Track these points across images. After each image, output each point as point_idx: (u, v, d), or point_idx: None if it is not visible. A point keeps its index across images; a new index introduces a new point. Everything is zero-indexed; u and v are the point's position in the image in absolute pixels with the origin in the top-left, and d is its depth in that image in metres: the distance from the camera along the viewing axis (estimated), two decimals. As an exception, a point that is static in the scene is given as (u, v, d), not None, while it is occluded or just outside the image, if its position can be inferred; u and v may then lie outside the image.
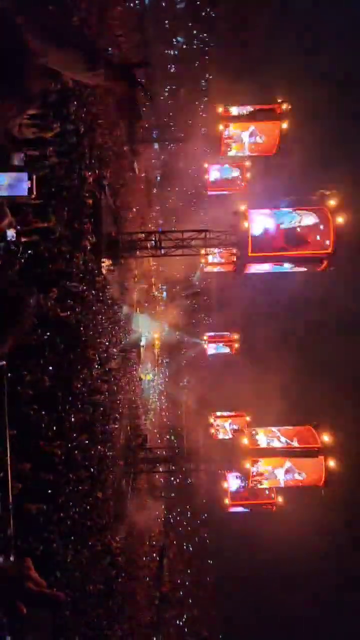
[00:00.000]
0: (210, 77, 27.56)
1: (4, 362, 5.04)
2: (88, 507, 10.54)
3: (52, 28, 0.96)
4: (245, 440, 18.76)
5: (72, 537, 8.86)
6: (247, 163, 21.25)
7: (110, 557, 13.04)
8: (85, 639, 9.15)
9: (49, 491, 7.68)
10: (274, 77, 19.89)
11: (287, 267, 16.99)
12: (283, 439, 18.88)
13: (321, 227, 15.90)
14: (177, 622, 25.65)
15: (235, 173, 21.97)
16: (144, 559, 20.42)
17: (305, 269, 17.20)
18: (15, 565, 0.75)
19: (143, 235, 18.44)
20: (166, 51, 27.37)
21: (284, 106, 18.63)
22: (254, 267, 17.00)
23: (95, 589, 10.60)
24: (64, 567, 8.12)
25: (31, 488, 6.80)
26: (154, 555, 23.35)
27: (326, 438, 17.82)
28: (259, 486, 18.56)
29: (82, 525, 9.79)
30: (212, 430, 24.96)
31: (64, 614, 7.53)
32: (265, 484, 18.47)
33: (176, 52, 27.76)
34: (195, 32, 27.10)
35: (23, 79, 0.73)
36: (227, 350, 31.04)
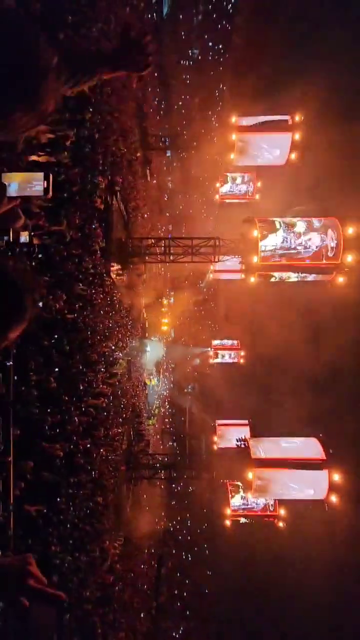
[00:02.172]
0: (224, 87, 27.91)
1: (11, 362, 5.10)
2: (88, 512, 10.48)
3: (69, 53, 1.00)
4: (248, 450, 18.54)
5: (71, 541, 8.81)
6: (258, 173, 21.37)
7: (109, 563, 12.92)
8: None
9: (49, 493, 7.68)
10: (287, 87, 20.04)
11: (295, 277, 16.93)
12: (287, 450, 18.62)
13: (330, 237, 15.85)
14: (174, 634, 25.21)
15: (246, 182, 22.09)
16: (142, 567, 20.18)
17: (315, 279, 17.11)
18: (16, 560, 0.76)
19: (152, 241, 18.60)
20: (181, 61, 27.85)
21: (297, 117, 18.73)
22: (262, 275, 16.96)
23: (92, 595, 10.49)
24: (61, 571, 8.07)
25: (32, 489, 6.81)
26: (152, 563, 23.07)
27: (332, 451, 17.52)
28: (261, 498, 18.28)
29: (81, 529, 9.74)
30: (215, 439, 24.72)
31: (64, 617, 7.47)
32: (267, 496, 18.19)
33: (191, 63, 28.24)
34: (210, 43, 27.57)
35: (40, 95, 0.75)
36: (233, 358, 30.88)
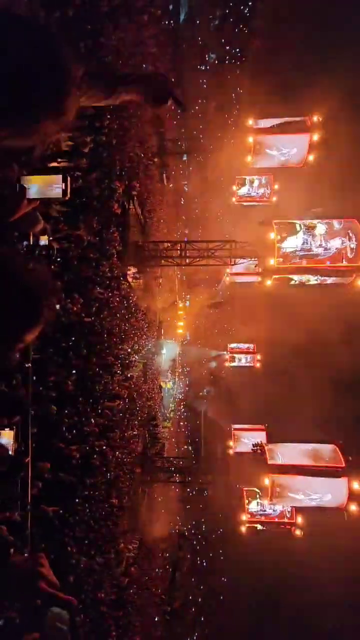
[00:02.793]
0: (241, 90, 27.86)
1: (29, 364, 5.20)
2: (103, 513, 10.55)
3: (92, 67, 1.03)
4: (265, 456, 18.26)
5: (86, 542, 8.87)
6: (275, 175, 21.19)
7: (124, 565, 12.94)
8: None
9: (66, 494, 7.76)
10: (305, 89, 19.84)
11: (314, 280, 16.66)
12: (305, 457, 18.24)
13: (350, 239, 15.53)
14: (188, 639, 24.96)
15: (264, 184, 21.93)
16: (157, 570, 20.12)
17: (334, 282, 16.78)
18: (28, 561, 0.75)
19: (169, 244, 18.68)
20: (198, 66, 27.99)
21: (315, 118, 18.50)
22: (279, 278, 16.77)
23: (106, 597, 10.52)
24: (77, 571, 8.13)
25: (49, 490, 6.91)
26: (167, 567, 22.97)
27: (351, 458, 17.05)
28: (278, 504, 17.95)
29: (96, 531, 9.80)
30: (231, 443, 24.46)
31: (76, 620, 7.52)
32: (285, 503, 17.85)
33: (208, 67, 28.34)
34: (227, 47, 27.60)
35: (67, 107, 0.77)
36: (249, 361, 30.56)
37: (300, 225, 16.00)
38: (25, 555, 0.78)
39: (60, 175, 2.25)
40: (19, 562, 0.75)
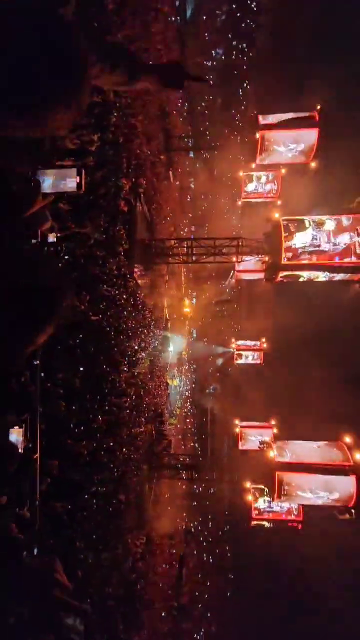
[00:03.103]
0: (248, 86, 27.61)
1: (38, 361, 5.26)
2: (111, 509, 10.64)
3: (105, 48, 1.03)
4: (272, 453, 18.22)
5: (94, 537, 8.96)
6: (283, 170, 20.98)
7: (131, 561, 13.06)
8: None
9: (73, 491, 7.84)
10: (313, 84, 19.57)
11: (323, 277, 16.51)
12: (312, 454, 18.15)
13: (359, 234, 15.35)
14: (195, 635, 25.13)
15: (271, 180, 21.75)
16: (164, 566, 20.26)
17: (342, 279, 16.61)
18: (43, 565, 0.76)
19: (175, 242, 18.66)
20: (205, 62, 27.79)
21: (323, 113, 18.26)
22: (287, 276, 16.65)
23: (114, 592, 10.63)
24: (85, 566, 8.22)
25: (57, 486, 6.98)
26: (174, 563, 23.11)
27: (359, 456, 16.92)
28: (284, 502, 17.91)
29: (104, 527, 9.89)
30: (238, 440, 24.45)
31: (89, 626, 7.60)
32: (291, 501, 17.80)
33: (214, 63, 28.13)
34: (234, 43, 27.35)
35: (80, 92, 0.77)
36: (256, 359, 30.46)
37: (309, 222, 15.86)
38: (39, 558, 0.79)
39: (75, 169, 2.24)
40: (34, 565, 0.76)
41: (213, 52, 27.79)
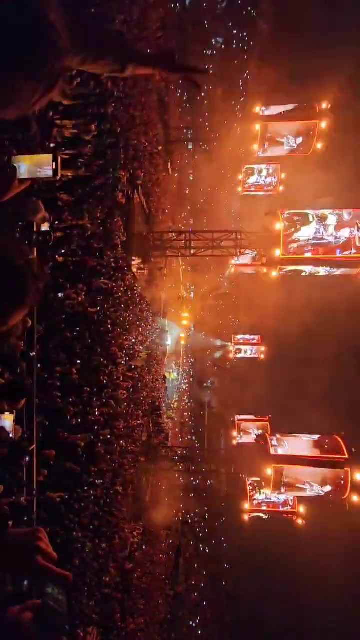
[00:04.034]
0: (248, 76, 27.22)
1: (34, 353, 5.24)
2: (108, 500, 10.74)
3: (87, 34, 0.98)
4: (268, 446, 18.39)
5: (91, 527, 9.06)
6: (282, 164, 20.83)
7: (128, 551, 13.22)
8: (99, 629, 9.34)
9: (71, 482, 7.90)
10: (314, 75, 19.32)
11: (323, 272, 16.51)
12: (308, 448, 18.33)
13: (358, 229, 15.32)
14: (191, 622, 25.61)
15: (271, 173, 21.59)
16: (160, 556, 20.54)
17: (342, 273, 16.62)
18: (26, 534, 0.76)
19: (173, 235, 18.55)
20: (205, 51, 27.34)
21: (324, 105, 18.07)
22: (286, 269, 16.64)
23: (111, 581, 10.78)
24: (82, 556, 8.32)
25: (54, 477, 7.03)
26: (170, 553, 23.44)
27: (354, 449, 17.11)
28: (280, 494, 18.14)
29: (101, 517, 9.99)
30: (234, 434, 24.65)
31: (76, 598, 7.70)
32: (287, 493, 18.03)
33: (214, 52, 27.67)
34: (234, 31, 26.88)
35: (40, 57, 0.69)
36: (254, 353, 30.55)
37: (313, 216, 15.82)
38: (24, 528, 0.79)
39: (51, 155, 2.18)
40: (17, 534, 0.76)
41: (213, 40, 27.31)
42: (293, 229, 15.63)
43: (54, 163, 2.25)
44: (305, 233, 15.64)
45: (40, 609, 0.68)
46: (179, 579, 23.82)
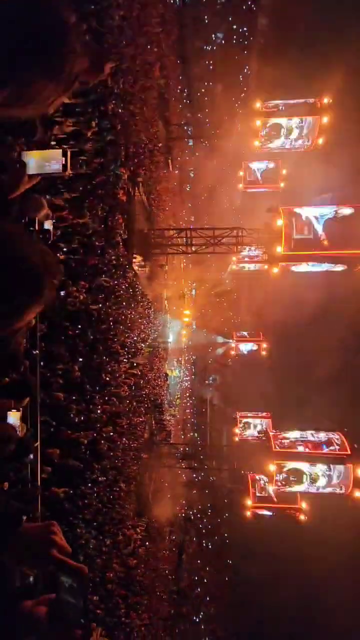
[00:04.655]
0: (249, 71, 27.05)
1: (37, 351, 5.26)
2: (111, 497, 10.79)
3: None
4: (270, 442, 18.43)
5: (95, 524, 9.12)
6: (283, 160, 20.72)
7: (131, 547, 13.30)
8: (102, 625, 9.42)
9: (75, 479, 7.94)
10: (314, 70, 19.17)
11: (324, 267, 16.45)
12: (310, 444, 18.35)
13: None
14: (194, 617, 25.79)
15: (272, 169, 21.48)
16: (164, 552, 20.66)
17: (344, 269, 16.55)
18: (40, 528, 0.77)
19: (174, 232, 18.52)
20: (204, 47, 27.16)
21: (325, 100, 17.94)
22: (288, 266, 16.59)
23: (115, 577, 10.86)
24: (86, 552, 8.38)
25: (58, 474, 7.06)
26: (174, 549, 23.57)
27: (356, 445, 17.13)
28: (283, 490, 18.19)
29: (105, 514, 10.05)
30: (236, 430, 24.71)
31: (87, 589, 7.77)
32: (290, 489, 18.07)
33: (214, 48, 27.48)
34: (234, 26, 26.68)
35: (63, 57, 0.71)
36: (255, 350, 30.56)
37: (308, 211, 15.74)
38: (38, 523, 0.80)
39: (60, 150, 2.18)
40: (31, 529, 0.77)
41: (213, 35, 27.12)
42: (288, 225, 15.51)
43: (64, 158, 2.25)
44: (302, 230, 15.54)
45: (55, 603, 0.69)
46: (182, 575, 23.96)
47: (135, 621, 12.37)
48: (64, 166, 2.23)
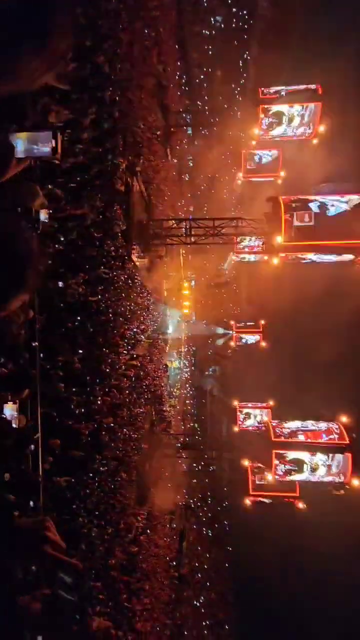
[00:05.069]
0: (248, 57, 26.48)
1: (36, 343, 5.25)
2: (113, 486, 10.93)
3: None
4: (269, 432, 18.58)
5: (97, 513, 9.25)
6: (285, 147, 20.40)
7: (132, 535, 13.53)
8: (106, 610, 9.63)
9: (76, 469, 8.03)
10: (316, 55, 18.76)
11: (331, 257, 16.23)
12: (309, 433, 18.51)
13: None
14: (195, 602, 26.40)
15: (272, 158, 21.17)
16: (165, 539, 21.03)
17: (348, 259, 16.37)
18: (34, 525, 0.76)
19: (173, 222, 18.35)
20: (203, 31, 26.52)
21: (327, 86, 17.59)
22: (289, 257, 16.45)
23: (117, 564, 11.07)
24: (88, 540, 8.52)
25: (60, 465, 7.13)
26: (175, 537, 23.99)
27: (355, 435, 17.28)
28: (282, 479, 18.41)
29: (106, 503, 10.19)
30: (237, 420, 24.90)
31: (85, 584, 7.94)
32: (289, 478, 18.29)
33: (213, 32, 26.84)
34: (234, 9, 26.01)
35: (48, 36, 0.69)
36: (255, 340, 30.58)
37: (308, 201, 15.54)
38: (32, 518, 0.80)
39: (50, 132, 2.11)
40: (25, 525, 0.76)
41: (212, 19, 26.44)
42: (289, 214, 15.31)
43: (54, 140, 2.17)
44: (303, 219, 15.35)
45: (50, 598, 0.69)
46: (183, 561, 24.44)
47: (136, 606, 12.65)
48: (54, 149, 2.16)
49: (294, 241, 15.61)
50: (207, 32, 26.85)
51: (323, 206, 15.43)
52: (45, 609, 0.69)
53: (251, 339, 30.76)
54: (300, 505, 19.55)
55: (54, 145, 2.15)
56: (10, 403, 3.99)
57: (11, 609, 0.69)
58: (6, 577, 0.74)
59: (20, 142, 1.97)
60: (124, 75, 11.58)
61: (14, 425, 4.04)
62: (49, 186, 6.68)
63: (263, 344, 29.86)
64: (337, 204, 15.44)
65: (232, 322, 31.29)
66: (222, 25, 26.82)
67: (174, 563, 22.56)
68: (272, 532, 23.90)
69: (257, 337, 30.43)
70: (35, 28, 0.68)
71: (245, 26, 26.11)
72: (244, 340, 31.03)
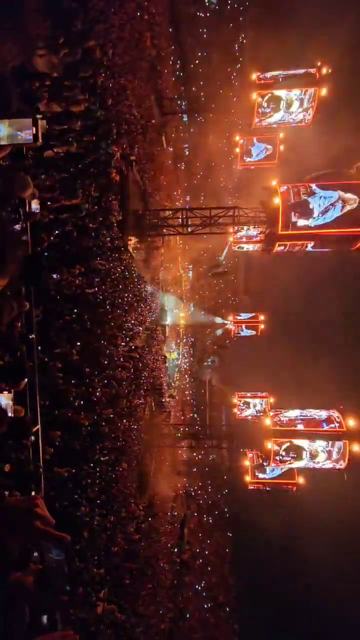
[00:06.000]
0: (244, 40, 25.86)
1: (33, 335, 5.23)
2: (114, 476, 11.06)
3: None
4: (268, 421, 18.77)
5: (99, 502, 9.37)
6: (281, 134, 20.07)
7: (134, 523, 13.75)
8: (110, 595, 9.85)
9: (77, 459, 8.10)
10: (314, 38, 18.33)
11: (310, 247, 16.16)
12: (307, 421, 18.71)
13: (358, 203, 14.97)
14: (196, 586, 27.03)
15: (268, 145, 20.86)
16: (166, 527, 21.40)
17: (338, 249, 16.37)
18: (23, 501, 0.77)
19: (170, 212, 18.16)
20: (197, 13, 25.81)
21: (324, 70, 17.23)
22: (293, 245, 16.30)
23: (119, 550, 11.27)
24: (91, 528, 8.65)
25: (61, 456, 7.19)
26: (176, 525, 24.41)
27: (351, 422, 17.49)
28: (281, 466, 18.68)
29: (108, 492, 10.31)
30: (235, 410, 25.12)
31: (77, 562, 8.08)
32: (287, 465, 18.56)
33: (208, 14, 26.12)
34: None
35: (23, 20, 0.66)
36: (252, 331, 30.67)
37: (305, 189, 15.38)
38: (21, 497, 0.81)
39: (30, 119, 2.06)
40: (14, 502, 0.77)
41: (206, 0, 25.73)
42: (286, 203, 15.17)
43: (34, 127, 2.13)
44: (301, 208, 15.23)
45: (41, 573, 0.71)
46: (184, 548, 24.94)
47: (139, 591, 12.93)
48: (35, 136, 2.12)
49: (292, 230, 15.52)
50: (201, 13, 26.15)
51: (317, 194, 15.29)
52: (36, 582, 0.71)
53: (250, 329, 30.83)
54: (299, 491, 19.89)
55: (34, 132, 2.11)
56: (5, 392, 4.00)
57: (2, 584, 0.71)
58: (2, 556, 0.75)
59: (3, 129, 1.93)
60: (116, 60, 11.30)
61: (9, 414, 4.05)
62: (42, 176, 6.57)
63: (261, 334, 29.91)
64: (332, 191, 15.30)
65: (230, 313, 31.29)
66: (217, 7, 26.12)
67: (176, 549, 23.01)
68: (270, 517, 24.35)
69: (255, 327, 30.50)
70: (7, 11, 0.64)
71: (241, 7, 25.43)
72: (242, 331, 31.10)
